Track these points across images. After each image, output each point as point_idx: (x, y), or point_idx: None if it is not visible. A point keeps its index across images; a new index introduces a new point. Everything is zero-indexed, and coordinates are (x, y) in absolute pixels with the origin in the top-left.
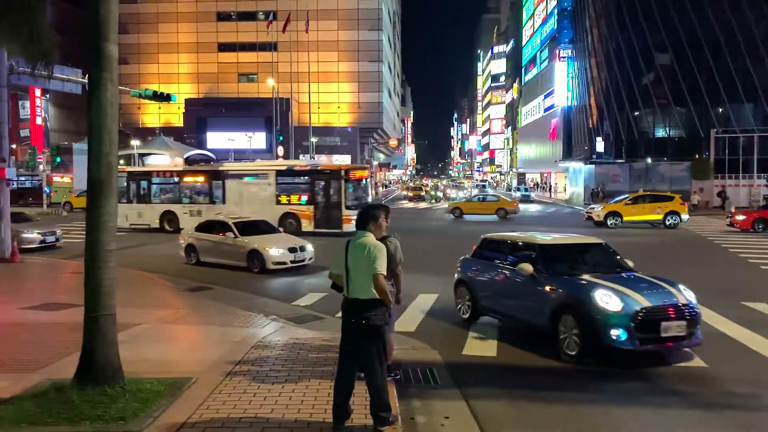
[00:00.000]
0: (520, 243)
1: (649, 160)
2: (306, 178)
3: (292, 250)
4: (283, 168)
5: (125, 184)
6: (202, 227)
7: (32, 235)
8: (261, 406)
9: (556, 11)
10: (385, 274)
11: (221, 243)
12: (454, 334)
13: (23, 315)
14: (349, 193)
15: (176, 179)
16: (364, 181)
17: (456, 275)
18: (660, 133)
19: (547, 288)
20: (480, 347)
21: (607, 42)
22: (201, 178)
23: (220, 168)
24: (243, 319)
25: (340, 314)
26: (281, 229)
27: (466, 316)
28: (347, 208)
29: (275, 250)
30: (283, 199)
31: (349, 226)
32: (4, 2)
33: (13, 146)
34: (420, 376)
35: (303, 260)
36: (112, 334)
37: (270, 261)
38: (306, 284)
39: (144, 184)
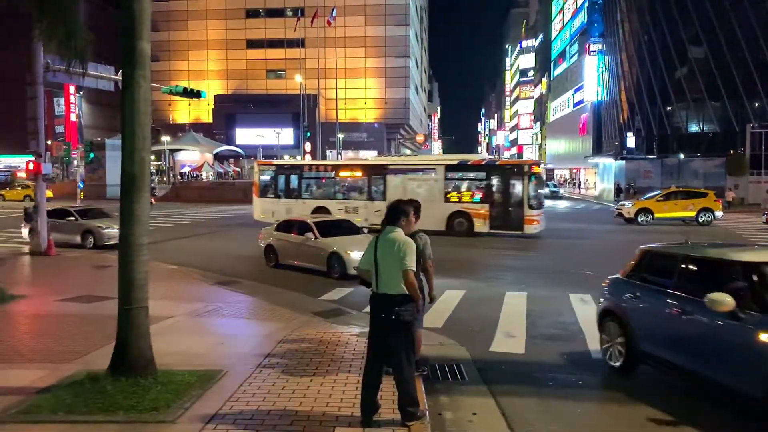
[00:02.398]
0: (709, 260)
1: (681, 156)
2: (481, 173)
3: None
4: (455, 163)
5: (273, 178)
6: (282, 226)
7: (112, 231)
8: (290, 399)
9: (586, 5)
10: (415, 270)
11: (301, 244)
12: (481, 330)
13: (60, 307)
14: (531, 191)
15: (331, 173)
16: (540, 178)
17: (601, 302)
18: (693, 128)
19: (762, 336)
20: (508, 344)
21: (638, 35)
22: (359, 173)
23: (381, 162)
24: (271, 313)
25: (367, 309)
26: (365, 230)
27: (617, 363)
28: (530, 207)
29: (357, 253)
30: (453, 196)
31: (532, 228)
32: (42, 3)
33: (48, 142)
34: (447, 372)
35: None
36: (145, 327)
37: (352, 266)
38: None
39: (294, 178)
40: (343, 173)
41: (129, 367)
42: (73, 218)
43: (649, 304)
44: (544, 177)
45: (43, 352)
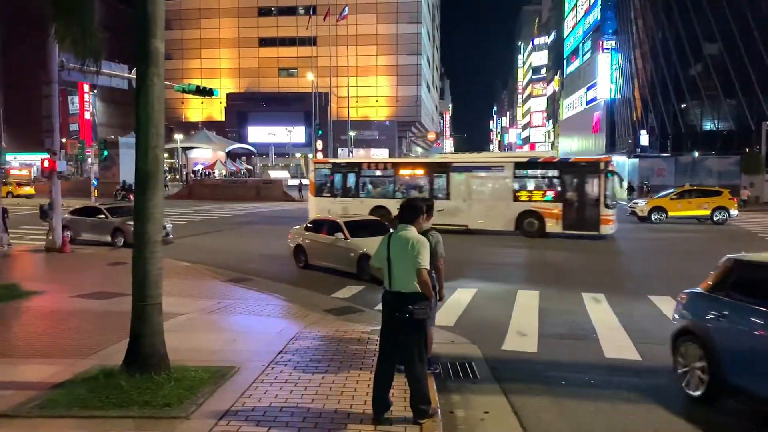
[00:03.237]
0: None
1: (696, 154)
2: (554, 171)
3: None
4: (524, 160)
5: (328, 176)
6: (311, 226)
7: None
8: (302, 396)
9: (599, 2)
10: (428, 268)
11: (331, 245)
12: (493, 329)
13: (74, 303)
14: (608, 190)
15: (390, 171)
16: (619, 176)
17: (675, 318)
18: (708, 125)
19: None
20: (520, 343)
21: (652, 32)
22: (420, 171)
23: (445, 160)
24: (283, 310)
25: (379, 307)
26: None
27: (698, 392)
28: (606, 206)
29: None
30: (523, 195)
31: (608, 228)
32: (57, 2)
33: (63, 140)
34: (459, 370)
35: None
36: (159, 323)
37: None
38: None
39: (351, 177)
40: (403, 171)
41: (143, 363)
42: (103, 216)
43: (742, 325)
44: None
45: (59, 348)
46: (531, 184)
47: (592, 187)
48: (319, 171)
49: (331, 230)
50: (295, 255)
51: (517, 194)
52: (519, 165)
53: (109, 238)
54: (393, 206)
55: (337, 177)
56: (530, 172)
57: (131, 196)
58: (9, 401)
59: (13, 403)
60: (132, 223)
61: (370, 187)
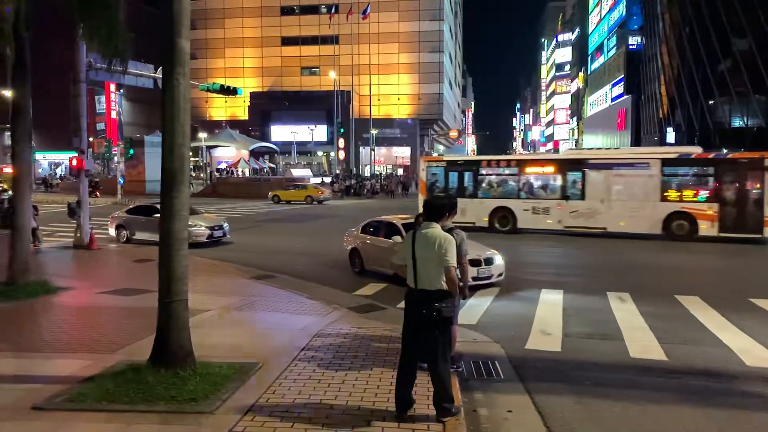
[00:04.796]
0: None
1: (724, 151)
2: (709, 168)
3: (474, 263)
4: (673, 156)
5: (442, 175)
6: (367, 228)
7: (201, 230)
8: (325, 393)
9: None
10: (456, 266)
11: (388, 249)
12: (516, 328)
13: (102, 299)
14: None
15: (515, 170)
16: None
17: None
18: (737, 122)
19: None
20: (544, 342)
21: (680, 28)
22: (550, 168)
23: (580, 156)
24: (306, 307)
25: (401, 305)
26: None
27: None
28: None
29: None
30: (672, 194)
31: None
32: (84, 3)
33: (90, 139)
34: (482, 369)
35: (488, 277)
36: (184, 319)
37: None
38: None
39: (468, 175)
40: (530, 169)
41: (169, 359)
42: (158, 215)
43: None
44: None
45: (87, 343)
46: (681, 183)
47: (754, 185)
48: (431, 169)
49: (389, 233)
50: (351, 259)
51: (664, 194)
52: (667, 162)
53: None
54: (518, 207)
55: (452, 176)
56: (681, 169)
57: (98, 193)
58: (40, 394)
59: (45, 395)
60: (188, 222)
61: (490, 186)
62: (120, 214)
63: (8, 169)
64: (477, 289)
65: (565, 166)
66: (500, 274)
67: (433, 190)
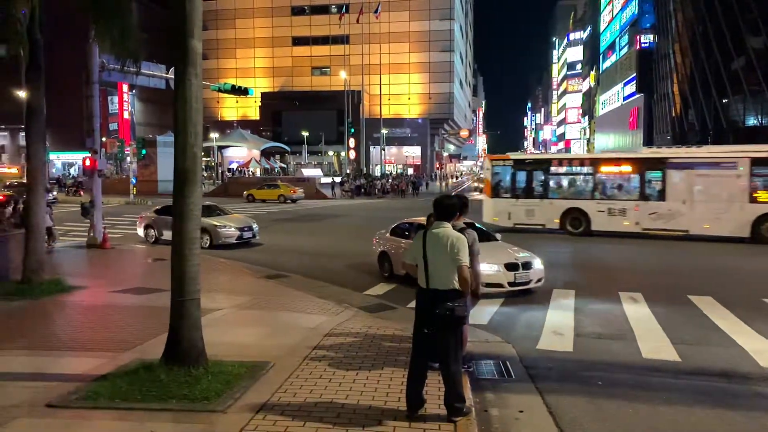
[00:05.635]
0: None
1: None
2: None
3: (510, 267)
4: (765, 155)
5: (509, 174)
6: (397, 230)
7: (230, 231)
8: (336, 392)
9: None
10: (469, 265)
11: None
12: (527, 328)
13: (115, 298)
14: None
15: (589, 169)
16: None
17: None
18: (751, 121)
19: None
20: (556, 342)
21: (693, 26)
22: (627, 168)
23: (659, 155)
24: (317, 307)
25: (412, 304)
26: (498, 236)
27: None
28: None
29: (487, 265)
30: (763, 195)
31: None
32: (97, 5)
33: (103, 139)
34: (493, 368)
35: (526, 282)
36: (197, 318)
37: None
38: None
39: (538, 174)
40: (605, 168)
41: (181, 358)
42: None
43: None
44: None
45: (100, 342)
46: None
47: None
48: (496, 168)
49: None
50: (380, 262)
51: (753, 194)
52: (758, 161)
53: None
54: (592, 208)
55: (520, 175)
56: None
57: (82, 192)
58: (55, 392)
59: (59, 393)
60: (217, 223)
61: (562, 186)
62: (148, 214)
63: (5, 169)
64: (516, 295)
65: (643, 165)
66: (539, 280)
67: (498, 189)
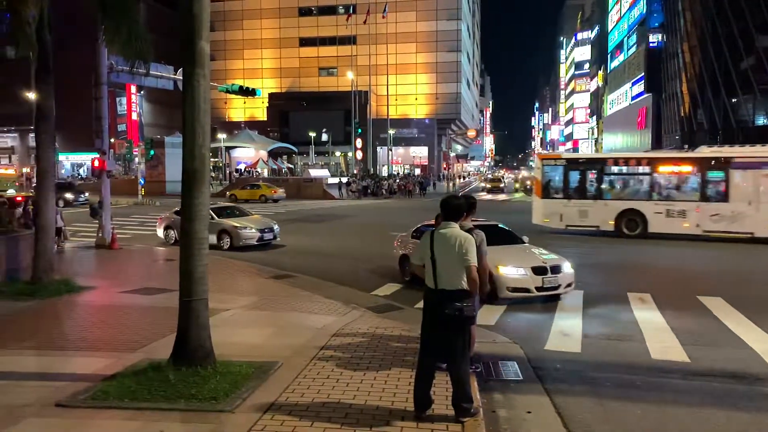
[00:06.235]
0: None
1: None
2: None
3: (538, 270)
4: None
5: (561, 174)
6: (418, 233)
7: (251, 232)
8: (344, 392)
9: None
10: (477, 265)
11: None
12: (535, 328)
13: (123, 298)
14: None
15: (646, 169)
16: None
17: None
18: (761, 120)
19: None
20: (564, 343)
21: (702, 24)
22: (687, 168)
23: (722, 154)
24: (325, 307)
25: (419, 305)
26: (526, 239)
27: None
28: None
29: (513, 269)
30: None
31: None
32: (104, 6)
33: (112, 140)
34: (501, 369)
35: (555, 287)
36: (205, 318)
37: (504, 285)
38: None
39: (592, 174)
40: (664, 168)
41: (189, 358)
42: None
43: None
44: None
45: (109, 342)
46: None
47: None
48: (548, 168)
49: None
50: (401, 266)
51: None
52: None
53: (214, 240)
54: (649, 210)
55: (573, 175)
56: None
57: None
58: (64, 391)
59: (68, 393)
60: (237, 224)
61: (617, 186)
62: (168, 215)
63: (2, 170)
64: (546, 301)
65: (705, 165)
66: (569, 285)
67: (549, 190)
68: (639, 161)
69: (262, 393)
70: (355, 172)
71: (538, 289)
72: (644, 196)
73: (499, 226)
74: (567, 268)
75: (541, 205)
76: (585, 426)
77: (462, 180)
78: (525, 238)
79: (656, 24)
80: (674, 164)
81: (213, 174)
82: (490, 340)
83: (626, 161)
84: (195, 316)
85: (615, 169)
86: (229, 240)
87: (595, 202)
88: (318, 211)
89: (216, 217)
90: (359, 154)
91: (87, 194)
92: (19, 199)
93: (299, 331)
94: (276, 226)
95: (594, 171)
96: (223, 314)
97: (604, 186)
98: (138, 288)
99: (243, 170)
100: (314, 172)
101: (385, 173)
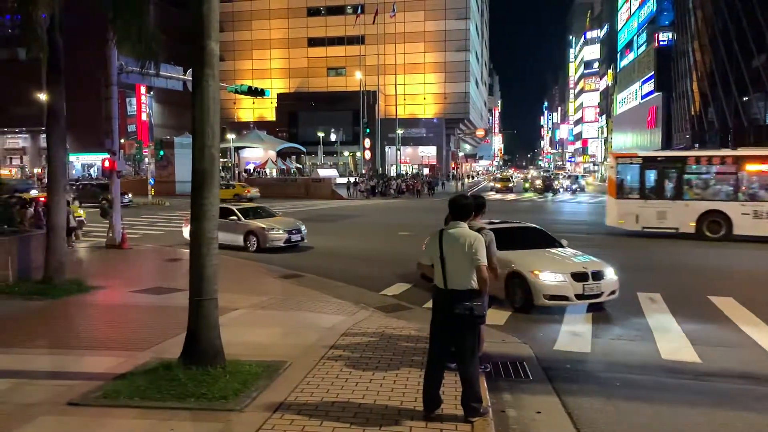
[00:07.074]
0: None
1: None
2: None
3: (579, 277)
4: None
5: (637, 173)
6: None
7: (279, 234)
8: (353, 392)
9: None
10: (487, 265)
11: None
12: (544, 328)
13: (133, 298)
14: None
15: (731, 167)
16: None
17: None
18: None
19: None
20: (573, 343)
21: (712, 23)
22: None
23: None
24: (334, 307)
25: (428, 304)
26: (564, 242)
27: None
28: None
29: (550, 275)
30: None
31: None
32: (115, 7)
33: (121, 140)
34: (510, 369)
35: (597, 294)
36: (214, 318)
37: (540, 293)
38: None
39: (671, 173)
40: (751, 167)
41: (199, 357)
42: (235, 218)
43: None
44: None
45: (120, 341)
46: None
47: None
48: (623, 167)
49: None
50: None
51: None
52: None
53: (241, 242)
54: (735, 211)
55: (650, 174)
56: None
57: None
58: (76, 390)
59: (80, 392)
60: (264, 225)
61: (698, 186)
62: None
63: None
64: (587, 311)
65: None
66: (612, 292)
67: (624, 189)
68: (723, 159)
69: (272, 392)
70: (363, 172)
71: (578, 296)
72: (730, 196)
73: (536, 228)
74: (610, 273)
75: (615, 205)
76: (595, 427)
77: (471, 179)
78: (564, 242)
79: (666, 22)
80: (764, 162)
81: (222, 174)
82: (500, 339)
83: (709, 159)
84: (205, 315)
85: (697, 167)
86: (256, 242)
87: (675, 203)
88: (328, 210)
89: (243, 218)
90: (368, 154)
91: (130, 195)
92: (42, 199)
93: (308, 331)
94: (303, 227)
95: (674, 170)
96: (232, 313)
97: (684, 185)
98: (148, 287)
99: (252, 170)
100: (323, 172)
101: (393, 173)
